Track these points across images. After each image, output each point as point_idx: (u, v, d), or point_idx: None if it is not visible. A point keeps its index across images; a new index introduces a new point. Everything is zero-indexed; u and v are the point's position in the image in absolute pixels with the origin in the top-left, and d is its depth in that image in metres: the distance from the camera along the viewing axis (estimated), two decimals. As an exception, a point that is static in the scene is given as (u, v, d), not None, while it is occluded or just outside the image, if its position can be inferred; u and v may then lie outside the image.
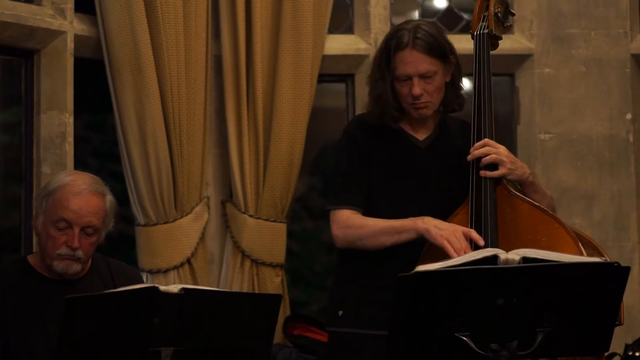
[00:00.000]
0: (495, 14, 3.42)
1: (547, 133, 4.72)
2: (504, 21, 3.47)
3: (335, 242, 3.40)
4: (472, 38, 3.42)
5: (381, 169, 3.37)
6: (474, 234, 3.14)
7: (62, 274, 3.21)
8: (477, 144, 3.29)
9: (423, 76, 3.31)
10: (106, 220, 3.27)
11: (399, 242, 3.23)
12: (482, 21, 3.43)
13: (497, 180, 3.23)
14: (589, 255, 3.07)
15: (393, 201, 3.36)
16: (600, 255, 3.19)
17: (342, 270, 3.43)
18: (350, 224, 3.33)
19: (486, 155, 3.26)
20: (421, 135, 3.42)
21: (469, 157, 3.28)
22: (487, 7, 3.42)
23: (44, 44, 4.17)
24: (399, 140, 3.40)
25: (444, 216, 3.28)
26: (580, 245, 3.08)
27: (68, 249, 3.19)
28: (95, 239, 3.24)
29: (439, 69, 3.33)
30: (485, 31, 3.41)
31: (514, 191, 3.24)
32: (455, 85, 3.44)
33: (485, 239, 3.16)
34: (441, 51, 3.34)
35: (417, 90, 3.30)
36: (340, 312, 3.37)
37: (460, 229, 3.16)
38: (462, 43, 4.75)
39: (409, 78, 3.31)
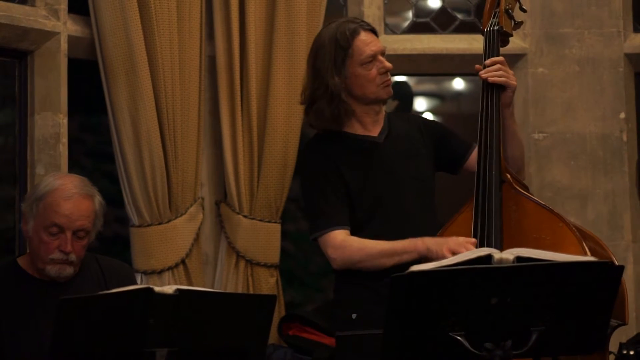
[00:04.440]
0: (507, 11, 3.41)
1: (541, 132, 4.73)
2: (515, 18, 3.47)
3: (332, 264, 3.36)
4: (483, 35, 3.41)
5: (352, 178, 3.37)
6: (471, 246, 3.13)
7: (55, 278, 3.21)
8: (491, 67, 3.32)
9: (383, 54, 3.39)
10: (96, 222, 3.28)
11: (400, 263, 3.20)
12: (493, 17, 3.42)
13: (503, 178, 3.23)
14: (591, 251, 3.06)
15: (372, 202, 3.36)
16: (603, 249, 3.19)
17: (342, 275, 3.41)
18: (348, 245, 3.31)
19: (498, 73, 3.32)
20: (374, 132, 3.44)
21: (483, 75, 3.31)
22: (499, 4, 3.41)
23: (38, 45, 4.17)
24: (357, 143, 3.41)
25: (421, 201, 3.31)
26: (584, 244, 3.07)
27: (61, 253, 3.18)
28: (86, 241, 3.24)
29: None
30: (496, 28, 3.40)
31: (520, 189, 3.23)
32: None
33: (490, 237, 3.15)
34: None
35: (387, 64, 3.37)
36: (354, 315, 3.34)
37: (461, 239, 3.16)
38: (456, 43, 4.78)
39: (374, 59, 3.35)
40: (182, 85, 4.24)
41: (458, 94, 5.22)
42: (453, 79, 5.11)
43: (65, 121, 4.17)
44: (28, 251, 3.38)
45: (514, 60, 4.76)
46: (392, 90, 3.41)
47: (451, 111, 5.30)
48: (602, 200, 4.70)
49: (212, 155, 4.48)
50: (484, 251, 2.57)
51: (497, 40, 3.39)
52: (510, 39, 4.72)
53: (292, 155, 4.37)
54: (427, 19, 4.83)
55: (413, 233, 3.28)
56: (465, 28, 4.82)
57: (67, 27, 4.20)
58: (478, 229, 3.19)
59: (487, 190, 3.20)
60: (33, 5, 4.19)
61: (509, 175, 3.25)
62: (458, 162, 3.50)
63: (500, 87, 3.32)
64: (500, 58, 3.35)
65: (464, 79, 5.09)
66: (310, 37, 4.39)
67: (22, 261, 3.31)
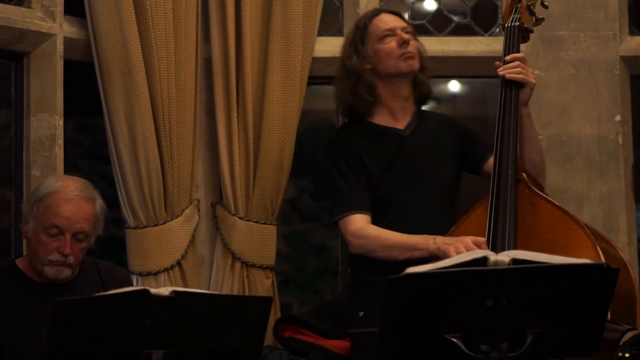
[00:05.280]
0: (528, 7, 3.40)
1: (537, 135, 4.73)
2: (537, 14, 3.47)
3: (350, 249, 3.41)
4: (503, 30, 3.42)
5: (373, 168, 3.39)
6: (483, 245, 3.12)
7: (53, 279, 3.21)
8: (510, 64, 3.31)
9: (403, 30, 3.41)
10: (96, 225, 3.28)
11: (412, 258, 3.21)
12: (514, 13, 3.41)
13: (519, 177, 3.21)
14: (604, 253, 3.05)
15: (389, 194, 3.38)
16: (614, 249, 3.19)
17: (353, 273, 3.45)
18: (365, 233, 3.34)
19: (516, 70, 3.31)
20: (402, 124, 3.46)
21: (501, 72, 3.31)
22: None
23: (34, 47, 4.17)
24: (383, 135, 3.44)
25: (439, 199, 3.31)
26: (598, 248, 3.06)
27: (59, 255, 3.18)
28: (85, 244, 3.24)
29: (412, 33, 3.46)
30: (517, 24, 3.39)
31: (535, 189, 3.21)
32: (424, 69, 3.54)
33: (503, 237, 3.13)
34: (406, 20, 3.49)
35: (405, 35, 3.40)
36: (361, 313, 3.37)
37: (469, 238, 3.15)
38: (452, 45, 4.78)
39: (392, 33, 3.38)
40: (178, 87, 4.24)
41: (454, 97, 5.22)
42: (449, 81, 5.11)
43: (61, 123, 4.17)
44: (26, 253, 3.38)
45: (509, 62, 4.76)
46: (414, 64, 3.43)
47: (447, 113, 5.29)
48: (597, 203, 4.70)
49: (208, 157, 4.48)
50: (479, 253, 2.57)
51: (517, 36, 3.38)
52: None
53: (287, 157, 4.37)
54: (423, 21, 4.83)
55: (428, 230, 3.29)
56: (461, 30, 4.82)
57: (63, 28, 4.20)
58: (492, 228, 3.16)
59: (502, 188, 3.17)
60: (29, 7, 4.19)
61: (524, 175, 3.23)
62: (477, 163, 3.53)
63: (518, 85, 3.32)
64: (521, 55, 3.35)
65: (459, 81, 5.09)
66: (306, 39, 4.40)
67: (20, 263, 3.31)
